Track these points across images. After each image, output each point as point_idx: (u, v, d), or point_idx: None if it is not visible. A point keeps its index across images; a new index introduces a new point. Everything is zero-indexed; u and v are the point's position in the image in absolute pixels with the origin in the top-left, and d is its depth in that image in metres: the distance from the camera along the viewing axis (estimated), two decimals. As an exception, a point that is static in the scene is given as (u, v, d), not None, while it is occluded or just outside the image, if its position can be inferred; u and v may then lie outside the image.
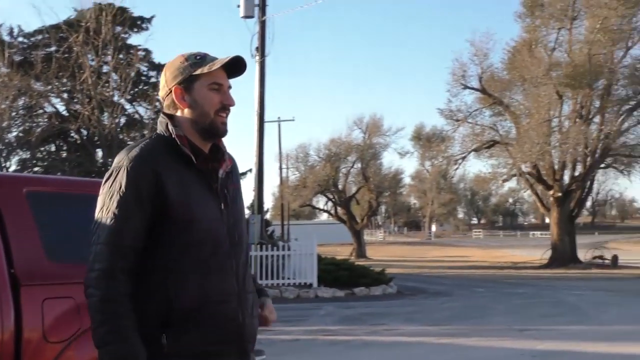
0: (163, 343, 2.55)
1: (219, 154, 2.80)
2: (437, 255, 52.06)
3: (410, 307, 17.30)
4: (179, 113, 2.75)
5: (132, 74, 29.69)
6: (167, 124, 2.71)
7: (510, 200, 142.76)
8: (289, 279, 20.01)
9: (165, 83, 2.77)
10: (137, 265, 2.59)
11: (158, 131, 2.76)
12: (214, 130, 2.74)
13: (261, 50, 20.51)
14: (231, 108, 2.77)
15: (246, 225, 2.97)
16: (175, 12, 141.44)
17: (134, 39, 33.49)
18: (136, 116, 33.13)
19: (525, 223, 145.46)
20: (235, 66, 2.78)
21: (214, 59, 2.75)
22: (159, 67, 33.57)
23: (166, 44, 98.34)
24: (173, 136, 2.67)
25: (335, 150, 49.41)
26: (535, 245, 54.77)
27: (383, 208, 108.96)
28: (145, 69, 33.56)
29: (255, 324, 2.81)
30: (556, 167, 36.20)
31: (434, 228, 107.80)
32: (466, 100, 38.03)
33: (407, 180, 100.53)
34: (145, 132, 29.43)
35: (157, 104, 31.34)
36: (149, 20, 33.69)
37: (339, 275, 20.67)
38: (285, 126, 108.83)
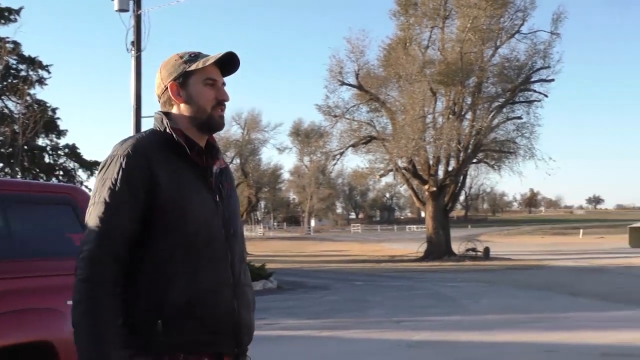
0: (158, 330, 2.53)
1: (214, 150, 2.83)
2: (317, 249, 52.45)
3: (290, 302, 17.43)
4: (174, 110, 2.80)
5: (0, 67, 28.60)
6: (162, 119, 2.75)
7: (388, 194, 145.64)
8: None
9: (161, 81, 2.83)
10: (129, 254, 2.58)
11: (153, 127, 2.80)
12: (212, 124, 2.79)
13: (137, 44, 20.09)
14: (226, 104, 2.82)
15: (241, 222, 2.98)
16: (48, 4, 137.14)
17: (2, 31, 32.24)
18: (5, 111, 31.92)
19: (402, 217, 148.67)
20: (229, 63, 2.84)
21: (207, 56, 2.80)
22: (29, 60, 32.46)
23: (39, 37, 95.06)
24: (168, 129, 2.71)
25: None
26: (411, 238, 56.07)
27: (262, 204, 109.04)
28: (15, 62, 32.34)
29: (253, 318, 2.81)
30: (431, 162, 37.14)
31: (313, 223, 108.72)
32: (344, 96, 38.47)
33: (286, 175, 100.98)
34: (16, 127, 28.39)
35: (28, 98, 30.38)
36: (17, 11, 32.39)
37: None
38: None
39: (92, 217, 2.58)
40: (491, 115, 35.90)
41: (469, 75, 35.13)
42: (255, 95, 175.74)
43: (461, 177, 39.82)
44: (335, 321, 13.47)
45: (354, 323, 12.99)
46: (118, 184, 2.58)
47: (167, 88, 2.79)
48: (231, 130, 50.33)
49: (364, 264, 34.15)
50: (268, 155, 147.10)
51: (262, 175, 52.75)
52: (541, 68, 36.61)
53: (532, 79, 36.90)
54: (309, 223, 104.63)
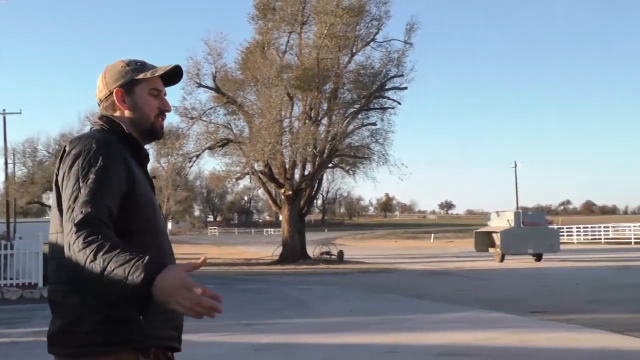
0: (143, 324, 2.49)
1: (144, 151, 2.87)
2: (174, 252, 51.75)
3: (139, 306, 17.15)
4: (117, 114, 2.82)
5: None
6: (110, 119, 2.78)
7: (246, 198, 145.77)
8: (11, 279, 19.04)
9: (105, 85, 2.85)
10: None
11: (97, 125, 2.81)
12: (153, 132, 2.85)
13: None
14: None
15: None
16: None
17: None
18: None
19: (260, 220, 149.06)
20: (174, 75, 2.92)
21: (153, 66, 2.88)
22: None
23: None
24: (126, 131, 2.75)
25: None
26: (268, 242, 56.33)
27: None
28: None
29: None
30: (287, 166, 37.46)
31: (170, 225, 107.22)
32: (201, 98, 38.23)
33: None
34: None
35: None
36: None
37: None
38: (11, 119, 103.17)
39: (83, 198, 2.45)
40: (346, 121, 36.55)
41: (326, 81, 35.65)
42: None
43: (317, 182, 40.29)
44: (193, 325, 13.36)
45: (202, 327, 12.81)
46: (106, 167, 2.55)
47: (111, 93, 2.82)
48: (85, 130, 48.90)
49: (219, 267, 34.00)
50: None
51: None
52: (395, 76, 37.62)
53: (387, 87, 37.88)
54: (165, 225, 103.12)
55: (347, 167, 41.50)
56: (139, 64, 2.87)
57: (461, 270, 28.41)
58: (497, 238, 34.15)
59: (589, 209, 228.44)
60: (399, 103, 38.38)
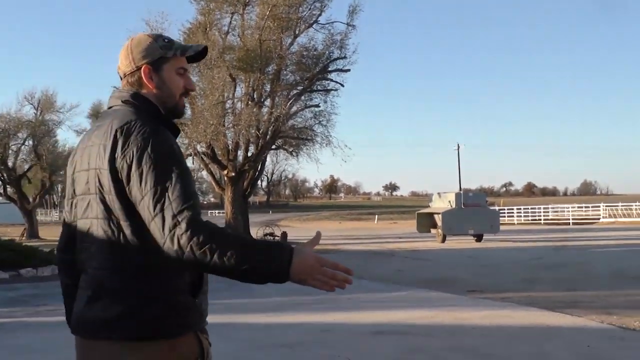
0: (197, 305, 2.66)
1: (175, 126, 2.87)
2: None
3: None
4: (144, 91, 2.80)
5: None
6: (143, 98, 2.76)
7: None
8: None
9: (132, 60, 2.80)
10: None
11: (128, 104, 2.75)
12: (177, 111, 2.86)
13: None
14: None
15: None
16: None
17: None
18: None
19: (205, 202, 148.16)
20: (199, 54, 2.92)
21: (180, 44, 2.85)
22: None
23: None
24: (161, 111, 2.76)
25: (4, 126, 46.56)
26: (211, 223, 55.91)
27: (59, 187, 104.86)
28: None
29: None
30: (230, 147, 37.25)
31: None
32: (143, 79, 37.79)
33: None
34: None
35: None
36: None
37: (3, 256, 19.70)
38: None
39: (180, 191, 2.46)
40: (289, 103, 36.48)
41: (268, 62, 35.46)
42: (50, 75, 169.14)
43: (260, 163, 40.20)
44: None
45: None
46: (179, 155, 2.60)
47: (138, 69, 2.78)
48: (23, 111, 48.13)
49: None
50: (64, 137, 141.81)
51: (58, 158, 50.60)
52: (338, 58, 37.61)
53: (330, 69, 37.85)
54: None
55: (291, 149, 41.50)
56: (166, 40, 2.85)
57: (403, 251, 28.71)
58: (438, 219, 34.58)
59: (530, 190, 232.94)
60: (342, 85, 38.43)
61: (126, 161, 2.55)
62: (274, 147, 40.05)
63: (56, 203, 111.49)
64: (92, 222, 2.67)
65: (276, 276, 2.45)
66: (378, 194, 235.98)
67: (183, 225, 2.40)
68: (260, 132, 35.58)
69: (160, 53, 2.80)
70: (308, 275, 2.48)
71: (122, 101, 2.80)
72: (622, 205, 63.83)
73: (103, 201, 2.62)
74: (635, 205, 62.50)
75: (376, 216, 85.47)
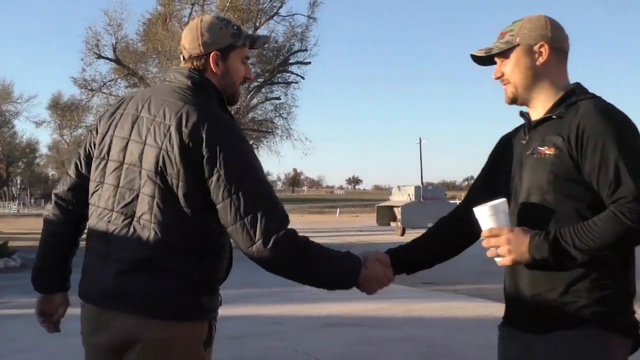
0: (219, 294, 2.79)
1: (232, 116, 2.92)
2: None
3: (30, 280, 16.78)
4: (206, 75, 2.79)
5: None
6: (215, 86, 2.78)
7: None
8: None
9: (202, 44, 2.77)
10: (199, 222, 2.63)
11: (193, 85, 2.74)
12: (234, 99, 2.90)
13: None
14: None
15: None
16: None
17: None
18: None
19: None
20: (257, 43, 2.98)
21: (247, 33, 2.88)
22: None
23: None
24: (224, 99, 2.80)
25: (-40, 117, 45.95)
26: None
27: (18, 179, 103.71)
28: None
29: None
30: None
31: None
32: (101, 70, 37.44)
33: (44, 150, 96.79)
34: None
35: None
36: None
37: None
38: None
39: (264, 193, 2.61)
40: (250, 95, 36.35)
41: (229, 54, 35.28)
42: (6, 66, 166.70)
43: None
44: (73, 298, 13.14)
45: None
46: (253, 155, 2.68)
47: (207, 54, 2.77)
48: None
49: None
50: (22, 128, 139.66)
51: (14, 149, 50.03)
52: (299, 51, 37.61)
53: (290, 61, 37.83)
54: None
55: (251, 142, 41.35)
56: (236, 28, 2.85)
57: (361, 244, 28.75)
58: (398, 212, 34.73)
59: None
60: (303, 78, 38.45)
61: (207, 150, 2.55)
62: (234, 139, 39.88)
63: (15, 195, 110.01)
64: (143, 197, 2.65)
65: (346, 287, 2.80)
66: (341, 187, 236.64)
67: (271, 240, 2.54)
68: (220, 124, 35.38)
69: (230, 41, 2.80)
70: (369, 284, 2.90)
71: (191, 82, 2.77)
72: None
73: (165, 182, 2.60)
74: None
75: (338, 209, 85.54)
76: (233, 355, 7.80)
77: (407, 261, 3.12)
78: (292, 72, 38.39)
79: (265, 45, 37.50)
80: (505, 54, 2.72)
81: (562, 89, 2.68)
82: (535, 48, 2.67)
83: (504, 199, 2.66)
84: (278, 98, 38.50)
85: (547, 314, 2.57)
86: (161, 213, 2.61)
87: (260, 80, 37.07)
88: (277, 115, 38.59)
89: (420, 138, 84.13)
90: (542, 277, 2.57)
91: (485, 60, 2.82)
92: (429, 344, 8.43)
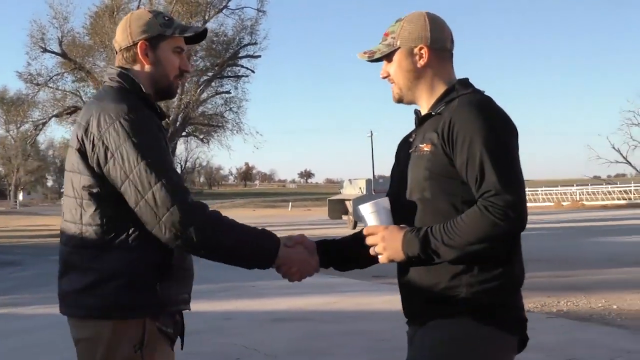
0: (157, 291, 2.63)
1: (162, 113, 2.87)
2: (21, 224, 49.96)
3: (-26, 279, 16.45)
4: (137, 67, 2.77)
5: None
6: (132, 78, 2.72)
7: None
8: None
9: (129, 35, 2.76)
10: (124, 213, 2.58)
11: (114, 82, 2.73)
12: (169, 91, 2.85)
13: None
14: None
15: None
16: None
17: None
18: None
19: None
20: (197, 36, 2.90)
21: (179, 23, 2.84)
22: None
23: None
24: (145, 92, 2.72)
25: None
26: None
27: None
28: None
29: None
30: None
31: (20, 196, 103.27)
32: (47, 64, 36.87)
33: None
34: None
35: None
36: None
37: None
38: None
39: (159, 168, 2.53)
40: (200, 89, 36.16)
41: (178, 47, 35.04)
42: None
43: (170, 150, 39.70)
44: (18, 298, 12.93)
45: (38, 299, 12.50)
46: (155, 133, 2.62)
47: (135, 44, 2.75)
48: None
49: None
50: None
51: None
52: (249, 44, 37.53)
53: (240, 55, 37.68)
54: (15, 197, 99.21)
55: (201, 136, 41.18)
56: (166, 18, 2.82)
57: (313, 237, 28.64)
58: (349, 205, 34.74)
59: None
60: (253, 71, 38.38)
61: (103, 141, 2.56)
62: (184, 134, 39.59)
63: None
64: (66, 198, 2.72)
65: (264, 265, 2.75)
66: (293, 181, 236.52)
67: (175, 213, 2.49)
68: (170, 118, 35.11)
69: (159, 30, 2.77)
70: (289, 269, 2.87)
71: (109, 78, 2.79)
72: (528, 190, 65.56)
73: (71, 179, 2.67)
74: (541, 190, 64.43)
75: (290, 203, 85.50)
76: (183, 351, 7.66)
77: (337, 256, 3.04)
78: (242, 66, 38.33)
79: (215, 39, 37.59)
80: (388, 56, 2.76)
81: (446, 85, 2.71)
82: (416, 50, 2.70)
83: (386, 197, 2.77)
84: (228, 92, 38.40)
85: (429, 308, 2.61)
86: (72, 211, 2.67)
87: (210, 74, 36.90)
88: (228, 109, 38.50)
89: (371, 131, 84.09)
90: (426, 272, 2.60)
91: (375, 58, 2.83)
92: (379, 338, 8.39)
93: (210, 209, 2.61)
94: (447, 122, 2.51)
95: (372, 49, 2.80)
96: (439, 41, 2.70)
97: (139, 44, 2.76)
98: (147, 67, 2.78)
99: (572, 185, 66.73)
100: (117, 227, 2.60)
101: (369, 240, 2.67)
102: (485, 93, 2.66)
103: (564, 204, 59.45)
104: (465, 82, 2.70)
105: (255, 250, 2.71)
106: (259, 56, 37.63)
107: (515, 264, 2.58)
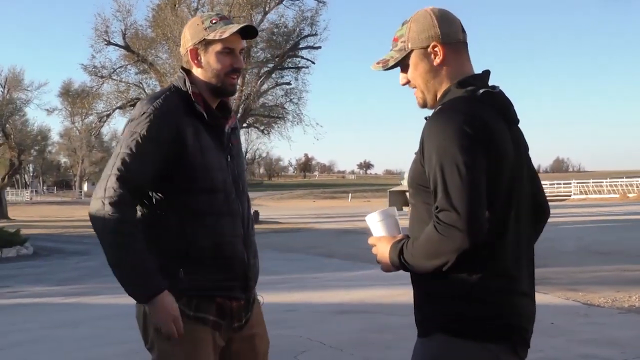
0: (180, 277, 2.88)
1: (226, 111, 3.14)
2: (86, 214, 50.75)
3: (43, 268, 16.78)
4: (193, 70, 3.04)
5: None
6: (185, 79, 3.00)
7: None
8: None
9: (185, 42, 3.07)
10: (154, 205, 2.94)
11: (175, 84, 3.04)
12: (224, 90, 3.04)
13: None
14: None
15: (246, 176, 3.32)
16: None
17: None
18: None
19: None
20: (248, 31, 3.05)
21: (228, 23, 3.02)
22: None
23: None
24: (189, 93, 2.96)
25: (-30, 105, 45.94)
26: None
27: (31, 167, 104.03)
28: None
29: (258, 265, 3.19)
30: (201, 126, 36.91)
31: (85, 187, 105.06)
32: (111, 56, 37.47)
33: (56, 138, 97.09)
34: None
35: None
36: None
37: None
38: None
39: (117, 164, 2.82)
40: (260, 81, 36.21)
41: (239, 39, 35.14)
42: (18, 52, 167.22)
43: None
44: (86, 287, 13.12)
45: (104, 288, 12.66)
46: (145, 139, 2.82)
47: (187, 51, 3.03)
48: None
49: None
50: (34, 116, 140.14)
51: (26, 137, 50.06)
52: (309, 35, 37.37)
53: (300, 46, 37.61)
54: (80, 187, 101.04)
55: (262, 127, 41.27)
56: (213, 21, 3.01)
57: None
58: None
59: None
60: (313, 62, 38.25)
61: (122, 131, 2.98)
62: (245, 125, 39.69)
63: (27, 183, 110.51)
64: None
65: (137, 298, 2.87)
66: (352, 172, 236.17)
67: (107, 203, 2.81)
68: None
69: (203, 35, 2.99)
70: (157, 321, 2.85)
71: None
72: (593, 182, 64.39)
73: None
74: (606, 182, 63.09)
75: (350, 194, 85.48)
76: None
77: None
78: (302, 57, 38.20)
79: (275, 30, 37.63)
80: (402, 62, 2.67)
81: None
82: (429, 50, 2.60)
83: (393, 207, 2.82)
84: (288, 83, 38.32)
85: (417, 321, 2.59)
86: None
87: (270, 65, 36.92)
88: (288, 100, 38.41)
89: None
90: (413, 284, 2.60)
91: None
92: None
93: (128, 224, 2.82)
94: (423, 133, 2.47)
95: (384, 57, 2.70)
96: (450, 35, 2.60)
97: (188, 51, 3.05)
98: (199, 70, 3.04)
99: (639, 177, 64.99)
100: (146, 207, 2.98)
101: (372, 250, 2.64)
102: (484, 92, 2.52)
103: (630, 195, 58.05)
104: (464, 82, 2.57)
105: (127, 281, 2.84)
106: (319, 47, 37.53)
107: (492, 275, 2.45)
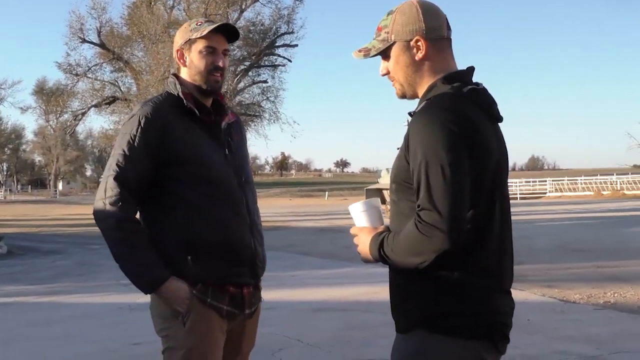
0: (189, 265, 3.06)
1: (221, 108, 3.33)
2: (61, 213, 50.37)
3: (17, 267, 16.59)
4: (182, 72, 3.25)
5: None
6: (175, 83, 3.20)
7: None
8: None
9: (174, 46, 3.29)
10: (158, 201, 3.10)
11: (167, 89, 3.22)
12: (208, 87, 3.20)
13: None
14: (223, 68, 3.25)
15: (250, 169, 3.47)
16: None
17: None
18: None
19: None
20: (230, 31, 3.30)
21: (210, 24, 3.20)
22: None
23: None
24: (180, 94, 3.14)
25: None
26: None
27: (5, 165, 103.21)
28: None
29: (264, 252, 3.45)
30: (177, 124, 36.82)
31: (60, 186, 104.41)
32: (86, 54, 37.28)
33: (30, 136, 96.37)
34: None
35: None
36: None
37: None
38: None
39: (113, 165, 3.02)
40: (237, 79, 36.16)
41: (215, 37, 35.08)
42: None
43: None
44: (60, 286, 12.99)
45: (79, 287, 12.59)
46: (136, 140, 3.02)
47: (176, 52, 3.26)
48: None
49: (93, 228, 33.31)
50: (7, 114, 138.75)
51: (0, 136, 49.60)
52: (285, 33, 37.46)
53: (277, 44, 37.61)
54: (55, 186, 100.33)
55: (239, 125, 41.25)
56: (198, 23, 3.23)
57: (351, 227, 28.68)
58: (386, 194, 34.58)
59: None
60: (290, 60, 38.31)
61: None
62: (221, 123, 39.73)
63: (1, 182, 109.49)
64: None
65: (144, 289, 3.10)
66: (329, 170, 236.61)
67: (108, 203, 3.01)
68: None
69: (188, 36, 3.21)
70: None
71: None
72: (567, 180, 64.86)
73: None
74: (581, 180, 63.56)
75: (326, 193, 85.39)
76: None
77: None
78: (279, 55, 38.22)
79: (252, 28, 37.58)
80: (384, 52, 2.65)
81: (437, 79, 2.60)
82: (412, 43, 2.57)
83: (377, 197, 2.85)
84: (265, 81, 38.35)
85: (396, 317, 2.60)
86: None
87: (247, 63, 36.87)
88: (265, 98, 38.50)
89: (408, 120, 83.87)
90: (393, 280, 2.60)
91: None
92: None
93: (129, 221, 3.05)
94: (408, 128, 2.45)
95: (366, 45, 2.68)
96: (434, 30, 2.57)
97: (176, 52, 3.27)
98: (185, 70, 3.26)
99: (612, 174, 65.58)
100: (149, 198, 3.13)
101: (354, 240, 2.65)
102: (470, 89, 2.50)
103: (604, 193, 58.55)
104: (450, 77, 2.55)
105: (131, 273, 3.06)
106: (296, 45, 37.55)
107: (475, 272, 2.44)
